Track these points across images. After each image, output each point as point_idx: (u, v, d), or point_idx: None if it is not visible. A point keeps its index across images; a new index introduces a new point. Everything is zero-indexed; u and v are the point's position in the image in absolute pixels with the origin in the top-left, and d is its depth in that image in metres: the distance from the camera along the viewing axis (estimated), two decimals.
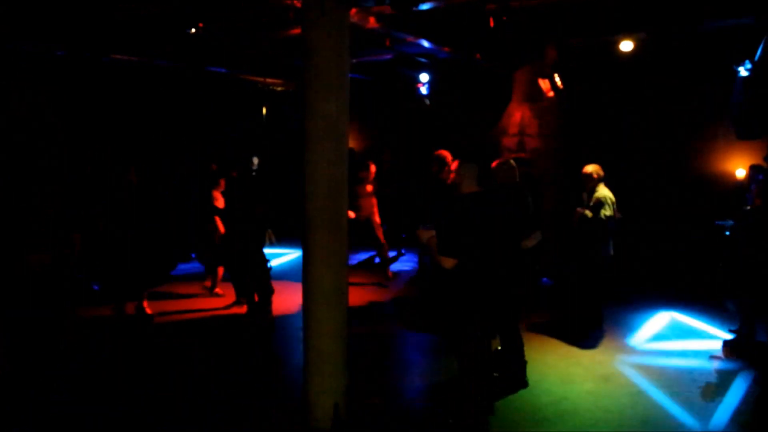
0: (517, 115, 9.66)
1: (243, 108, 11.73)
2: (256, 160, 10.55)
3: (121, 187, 6.38)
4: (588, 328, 6.18)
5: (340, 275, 4.03)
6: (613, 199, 6.05)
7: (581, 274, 6.39)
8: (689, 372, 5.19)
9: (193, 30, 7.18)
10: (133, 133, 9.40)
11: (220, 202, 7.08)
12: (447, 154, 6.96)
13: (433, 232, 4.05)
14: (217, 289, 7.52)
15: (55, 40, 7.86)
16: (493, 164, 5.12)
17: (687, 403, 4.55)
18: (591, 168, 6.18)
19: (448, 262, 3.88)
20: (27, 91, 7.93)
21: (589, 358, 5.49)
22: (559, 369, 5.19)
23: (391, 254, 9.70)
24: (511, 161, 5.15)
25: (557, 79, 7.90)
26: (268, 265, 6.28)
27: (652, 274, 8.41)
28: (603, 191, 6.06)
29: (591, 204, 6.05)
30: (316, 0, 3.75)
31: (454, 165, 7.05)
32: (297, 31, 6.81)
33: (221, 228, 6.90)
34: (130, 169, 6.47)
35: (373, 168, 8.53)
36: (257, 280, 6.20)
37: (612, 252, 6.18)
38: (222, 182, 7.18)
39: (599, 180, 6.12)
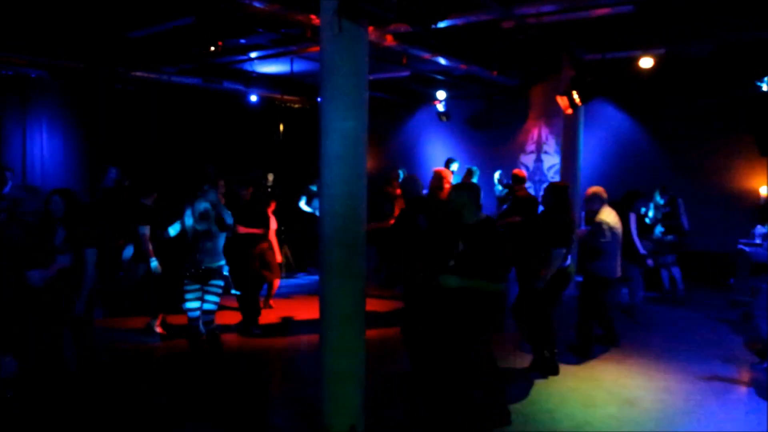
0: (534, 131, 9.62)
1: (260, 125, 11.79)
2: (271, 177, 10.55)
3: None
4: (589, 344, 5.98)
5: (358, 295, 3.97)
6: (611, 223, 5.82)
7: (583, 290, 6.17)
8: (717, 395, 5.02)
9: (213, 48, 7.26)
10: (141, 148, 9.43)
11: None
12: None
13: None
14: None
15: (72, 57, 7.98)
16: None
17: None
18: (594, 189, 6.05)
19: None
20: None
21: (612, 380, 5.34)
22: (580, 392, 5.05)
23: None
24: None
25: (575, 95, 7.84)
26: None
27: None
28: (603, 215, 5.89)
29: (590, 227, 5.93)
30: (334, 18, 3.74)
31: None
32: (315, 48, 6.84)
33: None
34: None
35: None
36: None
37: (618, 273, 5.97)
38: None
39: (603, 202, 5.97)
